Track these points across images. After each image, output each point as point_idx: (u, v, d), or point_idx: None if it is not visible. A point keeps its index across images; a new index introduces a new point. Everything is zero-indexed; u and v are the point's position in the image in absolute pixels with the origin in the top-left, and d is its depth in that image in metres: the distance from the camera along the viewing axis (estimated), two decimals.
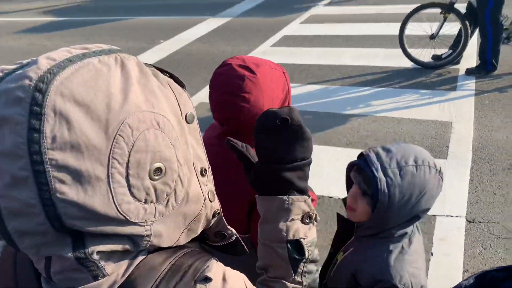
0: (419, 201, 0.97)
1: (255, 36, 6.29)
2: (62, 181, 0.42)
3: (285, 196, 0.70)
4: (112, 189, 0.45)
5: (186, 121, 0.54)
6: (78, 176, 0.43)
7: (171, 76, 0.57)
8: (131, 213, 0.47)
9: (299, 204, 0.71)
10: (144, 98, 0.48)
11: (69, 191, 0.43)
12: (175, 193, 0.51)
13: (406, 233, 1.02)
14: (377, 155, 0.99)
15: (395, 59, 4.67)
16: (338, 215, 1.19)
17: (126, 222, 0.47)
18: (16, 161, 0.41)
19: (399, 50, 4.47)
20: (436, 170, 0.98)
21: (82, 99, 0.43)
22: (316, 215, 0.73)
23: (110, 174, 0.44)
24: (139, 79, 0.49)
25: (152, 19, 8.30)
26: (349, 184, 1.13)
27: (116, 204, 0.45)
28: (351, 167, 1.09)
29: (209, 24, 7.37)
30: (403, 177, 0.95)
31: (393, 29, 5.52)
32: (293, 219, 0.70)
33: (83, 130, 0.43)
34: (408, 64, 4.47)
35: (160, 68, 0.56)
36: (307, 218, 0.71)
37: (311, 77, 4.54)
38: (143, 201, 0.48)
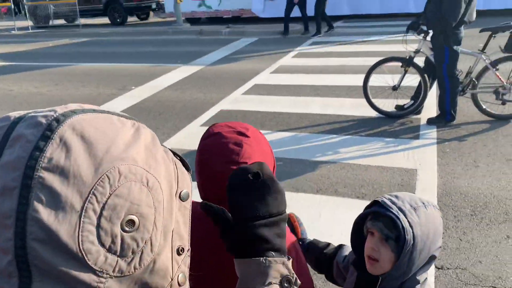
0: (434, 239, 1.00)
1: (227, 84, 6.44)
2: (40, 200, 0.44)
3: (262, 258, 0.68)
4: (81, 222, 0.45)
5: (180, 197, 0.55)
6: (56, 200, 0.45)
7: (181, 159, 0.59)
8: (91, 254, 0.46)
9: (277, 266, 0.69)
10: (145, 158, 0.50)
11: (44, 211, 0.44)
12: (141, 254, 0.50)
13: (426, 278, 1.04)
14: (390, 201, 1.01)
15: (360, 109, 4.88)
16: (359, 273, 1.10)
17: (83, 264, 0.46)
18: (12, 172, 0.45)
19: (364, 100, 4.68)
20: (437, 208, 1.04)
21: (89, 136, 0.47)
22: (296, 278, 0.70)
23: (84, 208, 0.45)
24: (147, 144, 0.52)
25: (124, 65, 8.38)
26: (355, 240, 1.11)
27: (80, 239, 0.45)
28: (363, 218, 1.07)
29: (181, 72, 7.50)
30: (420, 216, 0.99)
31: (357, 80, 5.82)
32: (270, 283, 0.68)
33: (78, 161, 0.45)
34: (373, 113, 4.67)
35: (172, 150, 0.58)
36: (286, 282, 0.68)
37: (281, 124, 4.65)
38: (107, 247, 0.47)
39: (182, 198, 0.55)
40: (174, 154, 0.58)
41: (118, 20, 15.11)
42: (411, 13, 11.19)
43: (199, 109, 5.37)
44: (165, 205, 0.52)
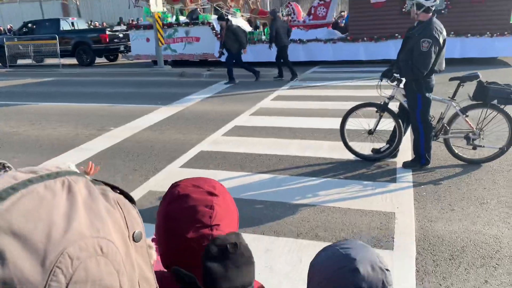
0: None
1: (207, 125, 6.49)
2: None
3: None
4: None
5: (134, 239, 0.53)
6: None
7: (122, 192, 0.56)
8: None
9: None
10: (89, 223, 0.47)
11: None
12: None
13: None
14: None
15: (338, 151, 4.97)
16: None
17: None
18: None
19: (341, 143, 4.79)
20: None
21: (20, 230, 0.41)
22: None
23: None
24: (85, 201, 0.48)
25: (103, 106, 8.36)
26: None
27: None
28: None
29: (162, 113, 7.53)
30: None
31: (335, 123, 5.97)
32: None
33: (18, 265, 0.40)
34: (351, 156, 4.76)
35: (111, 184, 0.55)
36: None
37: (261, 166, 4.67)
38: None
39: (136, 239, 0.53)
40: (112, 187, 0.54)
41: (86, 61, 15.46)
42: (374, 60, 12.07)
43: (179, 150, 5.35)
44: (124, 258, 0.49)
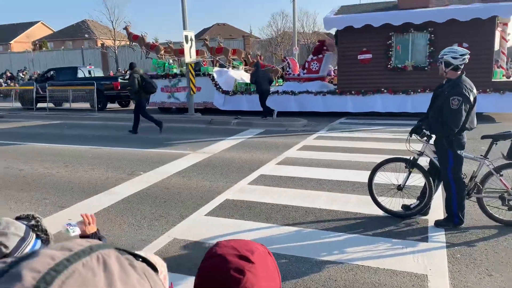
0: None
1: (233, 173, 6.53)
2: None
3: None
4: None
5: None
6: None
7: (144, 260, 0.59)
8: None
9: None
10: None
11: None
12: None
13: None
14: None
15: (366, 206, 4.87)
16: None
17: None
18: None
19: (370, 198, 4.70)
20: None
21: None
22: None
23: None
24: (120, 276, 0.51)
25: (134, 150, 8.61)
26: None
27: None
28: None
29: (190, 159, 7.67)
30: None
31: (363, 176, 5.89)
32: None
33: None
34: (379, 211, 4.65)
35: (134, 252, 0.58)
36: None
37: (287, 218, 4.61)
38: None
39: None
40: (135, 256, 0.57)
41: (98, 105, 16.41)
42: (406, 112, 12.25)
43: (205, 198, 5.38)
44: None
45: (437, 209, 4.70)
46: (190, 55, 12.89)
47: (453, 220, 4.19)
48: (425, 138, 4.40)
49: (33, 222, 1.47)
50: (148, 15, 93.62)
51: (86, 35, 42.74)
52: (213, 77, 14.06)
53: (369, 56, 12.51)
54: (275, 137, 9.75)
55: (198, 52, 15.55)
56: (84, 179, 6.50)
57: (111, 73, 27.90)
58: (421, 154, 4.51)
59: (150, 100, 14.70)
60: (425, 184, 4.48)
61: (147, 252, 3.73)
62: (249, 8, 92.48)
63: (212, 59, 16.58)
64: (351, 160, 7.19)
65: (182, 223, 4.58)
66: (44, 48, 45.45)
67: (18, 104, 18.81)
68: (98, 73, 19.37)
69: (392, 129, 10.36)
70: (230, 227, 4.41)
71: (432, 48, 11.91)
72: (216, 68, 14.94)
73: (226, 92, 13.90)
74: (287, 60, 14.83)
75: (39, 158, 8.01)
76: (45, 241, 1.47)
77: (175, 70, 15.06)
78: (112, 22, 32.31)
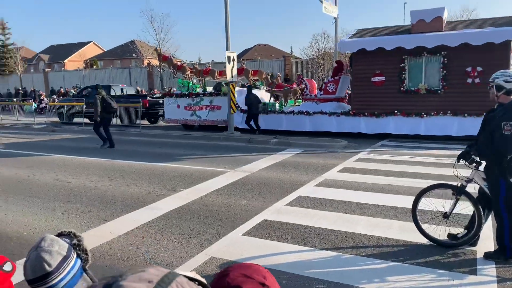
0: None
1: (271, 193, 6.51)
2: None
3: None
4: None
5: None
6: None
7: (200, 283, 0.64)
8: None
9: None
10: None
11: None
12: None
13: None
14: None
15: (409, 233, 4.67)
16: None
17: None
18: None
19: (413, 224, 4.51)
20: None
21: None
22: None
23: None
24: None
25: (174, 166, 8.81)
26: None
27: None
28: None
29: (228, 177, 7.74)
30: None
31: (405, 201, 5.68)
32: None
33: None
34: (423, 239, 4.44)
35: (190, 277, 0.62)
36: None
37: (325, 242, 4.51)
38: None
39: None
40: (192, 279, 0.61)
41: (128, 122, 17.69)
42: (449, 135, 12.01)
43: (243, 217, 5.38)
44: None
45: (487, 240, 4.43)
46: (231, 75, 13.18)
47: (504, 253, 3.93)
48: (474, 164, 4.20)
49: (75, 241, 1.52)
50: (193, 36, 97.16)
51: (134, 55, 44.62)
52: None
53: (382, 78, 12.62)
54: (314, 158, 9.66)
55: (222, 73, 16.09)
56: (127, 193, 6.71)
57: (156, 91, 29.14)
58: (469, 181, 4.29)
59: (173, 117, 16.02)
60: (473, 213, 4.24)
61: (184, 270, 3.77)
62: (290, 29, 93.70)
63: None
64: (394, 184, 6.97)
65: (219, 241, 4.60)
66: (94, 67, 48.15)
67: (59, 119, 19.91)
68: (130, 91, 20.83)
69: (436, 153, 9.97)
70: (267, 248, 4.37)
71: (445, 71, 11.90)
72: (238, 88, 15.44)
73: (244, 111, 14.34)
74: (304, 81, 15.25)
75: (85, 172, 8.38)
76: (85, 261, 1.52)
77: (198, 90, 15.88)
78: (158, 42, 33.70)
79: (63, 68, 51.92)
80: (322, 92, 14.52)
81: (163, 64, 18.45)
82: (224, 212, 5.61)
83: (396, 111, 12.44)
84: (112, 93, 18.87)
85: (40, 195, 6.68)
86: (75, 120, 18.89)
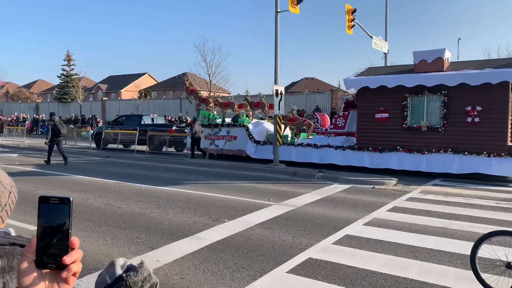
0: None
1: (317, 230, 6.35)
2: None
3: None
4: None
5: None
6: None
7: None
8: None
9: None
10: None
11: None
12: None
13: None
14: None
15: (467, 282, 4.33)
16: None
17: None
18: None
19: (471, 273, 4.18)
20: None
21: None
22: None
23: None
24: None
25: (220, 197, 8.89)
26: None
27: None
28: None
29: (273, 210, 7.67)
30: None
31: (462, 247, 5.32)
32: None
33: None
34: None
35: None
36: None
37: (374, 286, 4.28)
38: None
39: None
40: None
41: (155, 148, 19.02)
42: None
43: (287, 253, 5.26)
44: None
45: None
46: (279, 108, 13.37)
47: None
48: None
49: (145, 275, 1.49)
50: (242, 69, 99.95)
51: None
52: (247, 127, 15.67)
53: (386, 115, 13.11)
54: (362, 194, 9.38)
55: (241, 106, 17.46)
56: (174, 221, 6.82)
57: (189, 120, 31.43)
58: None
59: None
60: None
61: None
62: (339, 63, 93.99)
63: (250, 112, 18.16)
64: (448, 227, 6.57)
65: (263, 278, 4.50)
66: (148, 97, 50.65)
67: (120, 146, 20.87)
68: (160, 120, 22.57)
69: (494, 195, 9.35)
70: None
71: (445, 110, 12.12)
72: (255, 120, 16.59)
73: (257, 142, 15.24)
74: (316, 115, 16.35)
75: (135, 198, 8.65)
76: None
77: (218, 121, 16.87)
78: (209, 75, 35.03)
79: (119, 98, 54.81)
80: (331, 126, 15.27)
81: (191, 96, 19.61)
82: (268, 247, 5.52)
83: (398, 147, 12.72)
84: (147, 121, 20.49)
85: (92, 218, 6.95)
86: (109, 145, 20.43)
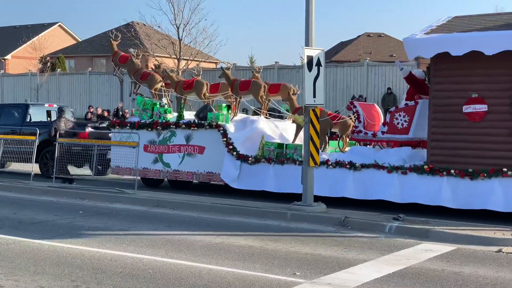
0: None
1: None
2: None
3: None
4: None
5: None
6: None
7: None
8: None
9: None
10: None
11: None
12: None
13: None
14: None
15: None
16: None
17: None
18: None
19: None
20: None
21: None
22: None
23: None
24: None
25: (200, 267, 4.86)
26: None
27: None
28: None
29: None
30: None
31: None
32: None
33: None
34: None
35: None
36: None
37: None
38: None
39: None
40: None
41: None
42: None
43: None
44: None
45: None
46: (314, 92, 7.52)
47: None
48: None
49: None
50: (242, 23, 60.99)
51: (132, 49, 19.46)
52: (224, 130, 9.03)
53: (482, 107, 7.49)
54: (480, 266, 5.09)
55: (217, 87, 10.24)
56: None
57: (126, 113, 18.30)
58: None
59: (124, 165, 9.87)
60: None
61: None
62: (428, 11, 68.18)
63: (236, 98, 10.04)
64: None
65: None
66: (59, 69, 29.67)
67: None
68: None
69: None
70: None
71: None
72: (240, 116, 10.05)
73: (244, 158, 8.85)
74: (355, 107, 9.18)
75: (32, 268, 4.80)
76: None
77: (169, 117, 9.85)
78: (177, 28, 19.44)
79: (2, 71, 31.53)
80: (386, 128, 8.80)
81: (121, 68, 11.47)
82: None
83: (505, 169, 7.22)
84: (28, 118, 12.19)
85: None
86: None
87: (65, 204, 8.69)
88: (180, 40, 19.21)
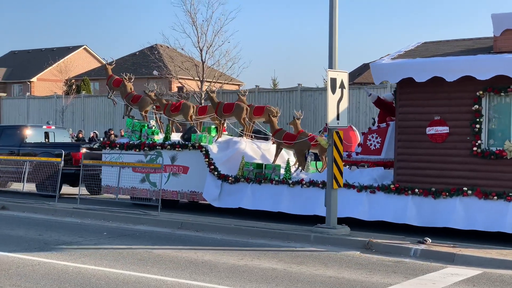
0: None
1: None
2: None
3: None
4: None
5: None
6: None
7: None
8: None
9: None
10: None
11: None
12: None
13: None
14: None
15: None
16: None
17: None
18: None
19: None
20: None
21: None
22: None
23: None
24: None
25: None
26: None
27: None
28: None
29: None
30: None
31: None
32: None
33: None
34: None
35: None
36: None
37: None
38: None
39: None
40: None
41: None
42: None
43: None
44: None
45: None
46: (337, 114, 7.47)
47: None
48: None
49: None
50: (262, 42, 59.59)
51: (155, 72, 24.37)
52: (206, 150, 9.29)
53: (444, 129, 7.65)
54: None
55: (205, 110, 10.52)
56: None
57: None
58: None
59: (113, 184, 10.14)
60: None
61: None
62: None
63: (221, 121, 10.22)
64: None
65: None
66: (83, 92, 28.81)
67: None
68: (62, 135, 14.26)
69: None
70: None
71: None
72: (225, 137, 10.15)
73: (224, 178, 9.09)
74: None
75: None
76: None
77: (156, 138, 10.13)
78: (200, 50, 19.06)
79: (28, 93, 31.86)
80: (360, 148, 8.98)
81: (114, 92, 11.96)
82: None
83: (465, 188, 7.34)
84: (25, 139, 12.70)
85: None
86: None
87: (89, 226, 8.63)
88: (203, 62, 19.38)
